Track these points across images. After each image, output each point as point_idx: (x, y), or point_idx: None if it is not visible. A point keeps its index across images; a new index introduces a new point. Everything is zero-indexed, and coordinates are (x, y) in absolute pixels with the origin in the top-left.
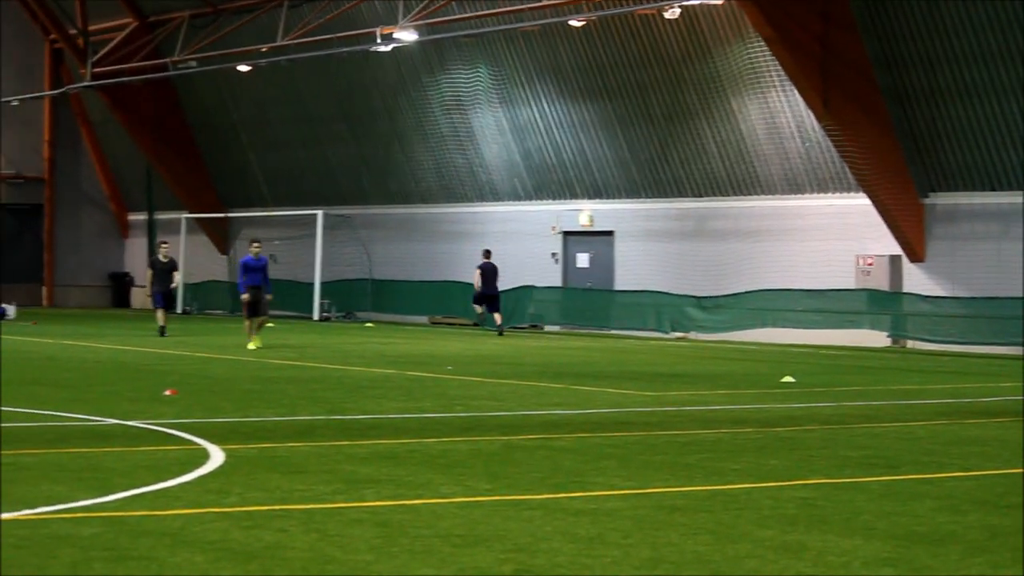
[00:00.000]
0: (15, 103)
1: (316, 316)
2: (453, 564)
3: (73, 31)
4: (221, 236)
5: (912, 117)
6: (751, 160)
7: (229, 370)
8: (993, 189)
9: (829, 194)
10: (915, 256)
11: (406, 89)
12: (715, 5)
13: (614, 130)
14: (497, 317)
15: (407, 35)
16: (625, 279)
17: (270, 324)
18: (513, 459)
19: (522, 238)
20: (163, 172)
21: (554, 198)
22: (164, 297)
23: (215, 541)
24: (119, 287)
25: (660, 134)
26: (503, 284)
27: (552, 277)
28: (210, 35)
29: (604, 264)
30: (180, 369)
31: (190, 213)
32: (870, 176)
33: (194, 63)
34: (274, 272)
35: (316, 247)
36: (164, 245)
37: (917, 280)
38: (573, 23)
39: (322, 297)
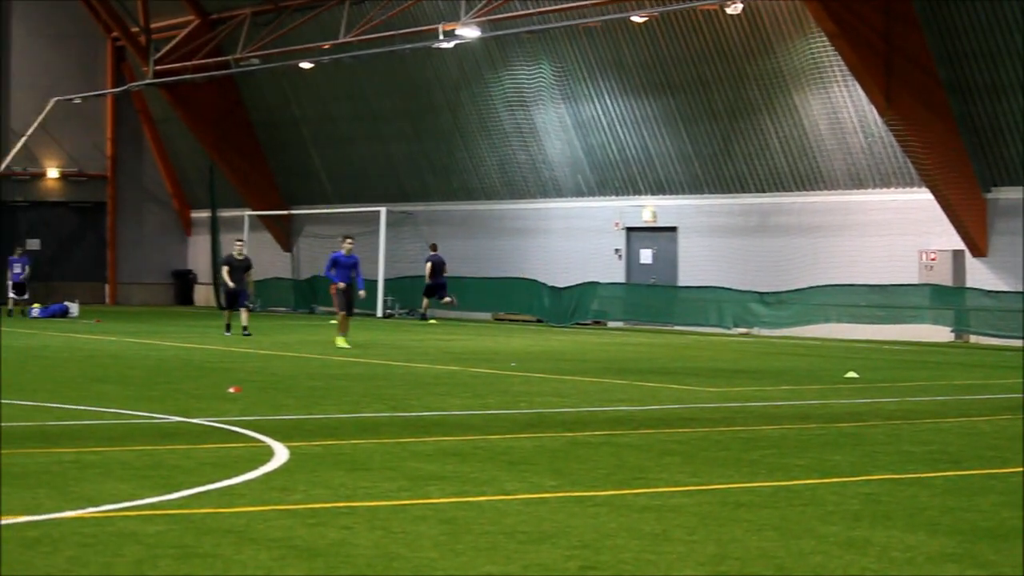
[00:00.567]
0: (78, 101)
1: (379, 313)
2: (518, 561)
3: (135, 29)
4: (284, 233)
5: (974, 112)
6: (814, 156)
7: (293, 367)
8: None
9: (892, 189)
10: (977, 251)
11: (468, 85)
12: (777, 0)
13: (677, 126)
14: (448, 299)
15: (469, 31)
16: (688, 275)
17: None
18: (577, 455)
19: (585, 234)
20: (226, 169)
21: (617, 194)
22: (237, 296)
23: (280, 539)
24: (182, 284)
25: (723, 130)
26: (568, 279)
27: (615, 273)
28: (272, 32)
29: (667, 260)
30: (244, 366)
31: (253, 210)
32: (932, 171)
33: (256, 60)
34: None
35: (379, 244)
36: (239, 243)
37: (980, 275)
38: (635, 19)
39: (385, 294)
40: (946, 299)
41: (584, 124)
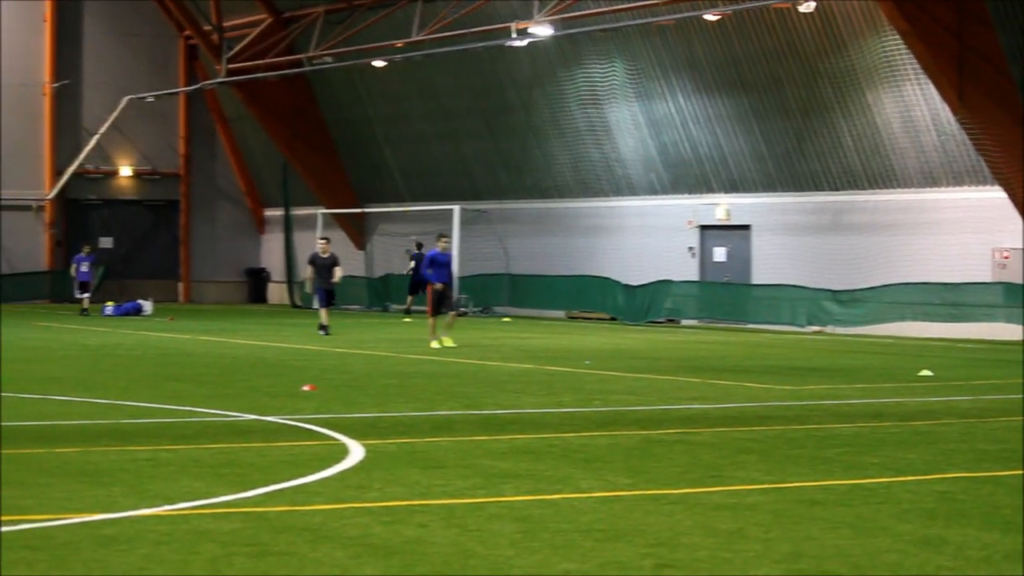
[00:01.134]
0: (150, 99)
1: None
2: (594, 559)
3: (208, 27)
4: (358, 231)
5: None
6: (887, 154)
7: (367, 365)
8: None
9: (964, 187)
10: None
11: (541, 83)
12: None
13: (750, 124)
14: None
15: (542, 30)
16: (762, 273)
17: (412, 314)
18: (652, 453)
19: (659, 232)
20: (299, 167)
21: (690, 192)
22: (326, 295)
23: (355, 536)
24: (256, 283)
25: (796, 128)
26: (642, 278)
27: (689, 271)
28: (345, 31)
29: (741, 258)
30: (318, 364)
31: (326, 209)
32: (1005, 169)
33: (329, 59)
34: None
35: (453, 242)
36: (323, 241)
37: None
38: (708, 17)
39: (459, 292)
40: (1019, 297)
41: (657, 122)
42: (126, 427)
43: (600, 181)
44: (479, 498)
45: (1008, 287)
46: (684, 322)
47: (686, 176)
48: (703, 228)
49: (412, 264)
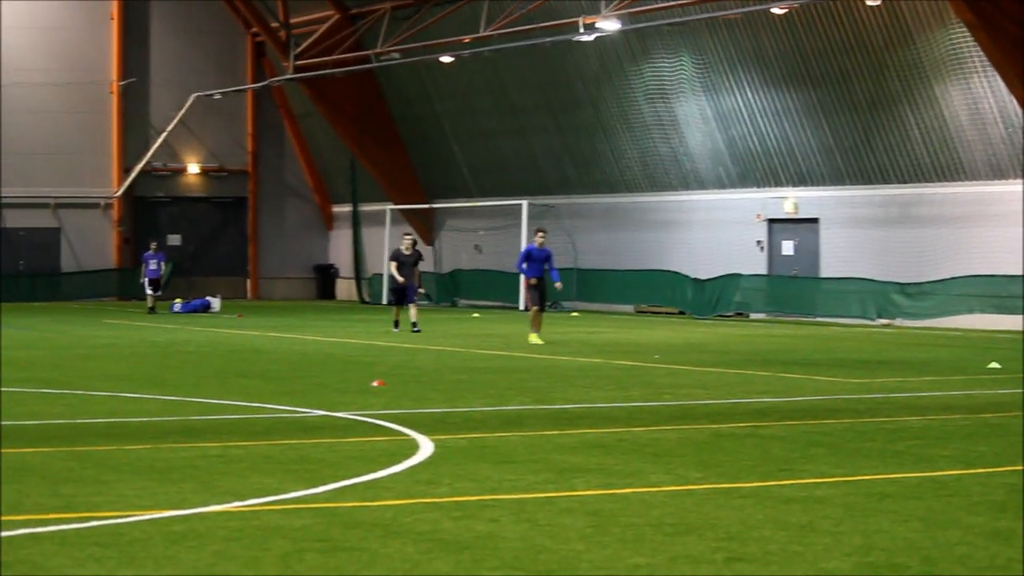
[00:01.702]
0: (218, 97)
1: (522, 306)
2: (665, 553)
3: (275, 24)
4: (426, 227)
5: None
6: (955, 146)
7: (436, 360)
8: None
9: None
10: None
11: (609, 78)
12: None
13: (818, 117)
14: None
15: (610, 24)
16: (830, 266)
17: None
18: (722, 447)
19: (727, 226)
20: (367, 164)
21: (759, 186)
22: (406, 291)
23: (426, 532)
24: (324, 279)
25: (863, 121)
26: (710, 271)
27: (758, 265)
28: (412, 27)
29: (809, 251)
30: (387, 360)
31: (394, 204)
32: None
33: (397, 55)
34: (479, 262)
35: (521, 237)
36: (407, 237)
37: None
38: (775, 10)
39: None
40: None
41: (725, 116)
42: (196, 424)
43: (668, 175)
44: (549, 492)
45: None
46: (752, 316)
47: (754, 170)
48: (771, 222)
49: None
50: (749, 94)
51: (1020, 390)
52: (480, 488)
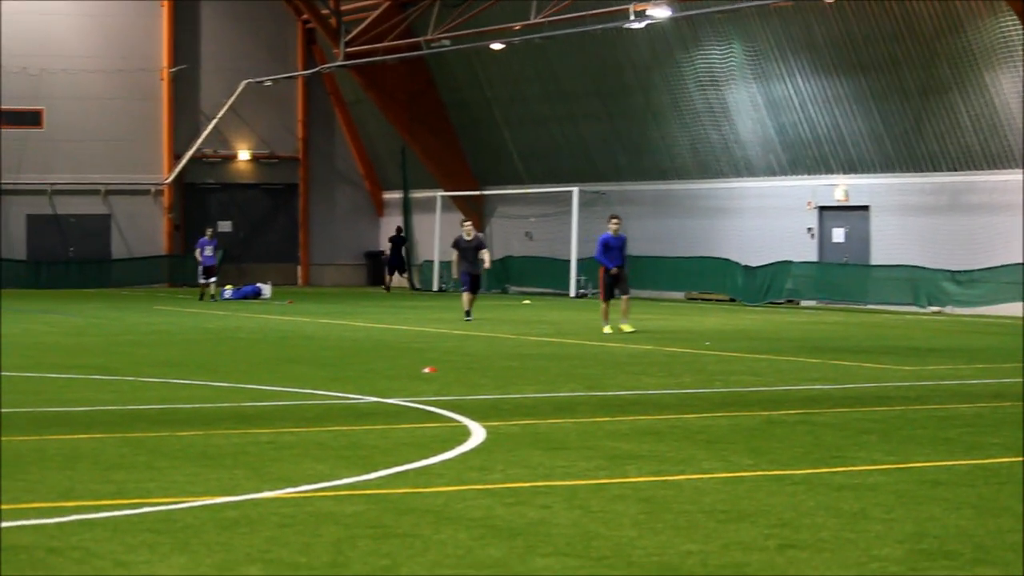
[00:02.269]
0: (268, 83)
1: (572, 293)
2: (717, 540)
3: (326, 11)
4: (476, 214)
5: None
6: (1004, 133)
7: (487, 347)
8: None
9: None
10: None
11: (660, 65)
12: None
13: (868, 104)
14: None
15: (660, 12)
16: (880, 254)
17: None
18: (774, 434)
19: (778, 213)
20: (417, 150)
21: (809, 173)
22: (471, 279)
23: (479, 518)
24: (375, 265)
25: (914, 108)
26: (761, 259)
27: (808, 252)
28: (463, 14)
29: (860, 239)
30: (438, 346)
31: (445, 191)
32: None
33: (447, 42)
34: (530, 249)
35: (572, 224)
36: (467, 224)
37: None
38: None
39: (578, 274)
40: None
41: (776, 103)
42: (247, 410)
43: (719, 162)
44: (602, 479)
45: None
46: (803, 303)
47: (804, 157)
48: (822, 209)
49: (390, 245)
50: (800, 81)
51: None
52: (532, 474)
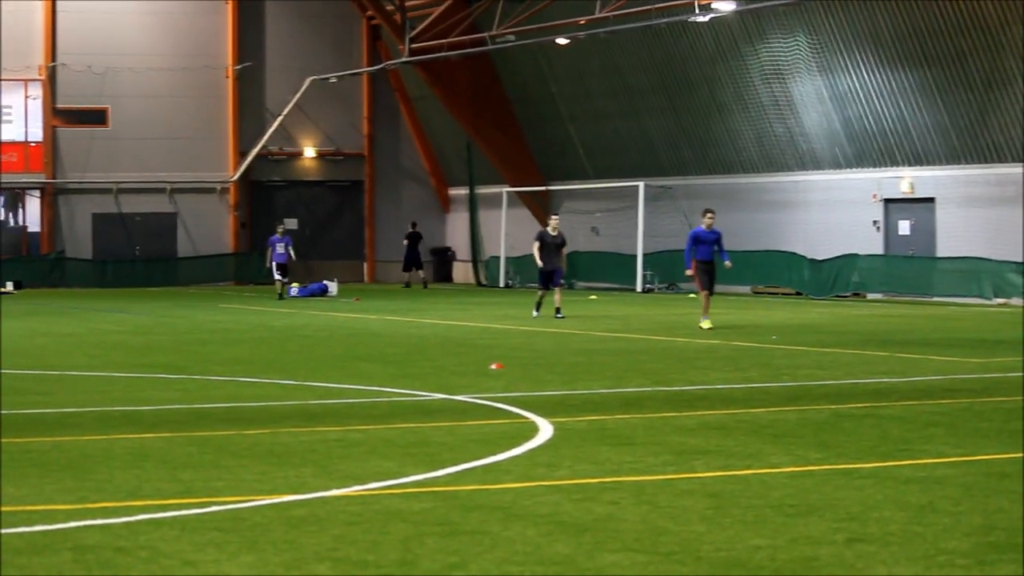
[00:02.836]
0: (333, 80)
1: (639, 288)
2: (785, 534)
3: (390, 7)
4: (542, 209)
5: None
6: None
7: (554, 343)
8: None
9: None
10: None
11: (725, 59)
12: None
13: (933, 97)
14: (420, 274)
15: (725, 5)
16: (946, 245)
17: (592, 296)
18: (842, 428)
19: (844, 206)
20: (483, 146)
21: (875, 166)
22: (551, 275)
23: (547, 514)
24: (441, 262)
25: (979, 100)
26: (827, 252)
27: (874, 245)
28: (527, 9)
29: (926, 231)
30: (505, 343)
31: (511, 187)
32: None
33: (512, 37)
34: (596, 244)
35: (638, 218)
36: (555, 218)
37: None
38: None
39: (644, 268)
40: None
41: (841, 96)
42: (315, 408)
43: (784, 156)
44: (669, 474)
45: None
46: (869, 296)
47: (870, 150)
48: (887, 201)
49: (405, 242)
50: (865, 74)
51: None
52: (600, 470)
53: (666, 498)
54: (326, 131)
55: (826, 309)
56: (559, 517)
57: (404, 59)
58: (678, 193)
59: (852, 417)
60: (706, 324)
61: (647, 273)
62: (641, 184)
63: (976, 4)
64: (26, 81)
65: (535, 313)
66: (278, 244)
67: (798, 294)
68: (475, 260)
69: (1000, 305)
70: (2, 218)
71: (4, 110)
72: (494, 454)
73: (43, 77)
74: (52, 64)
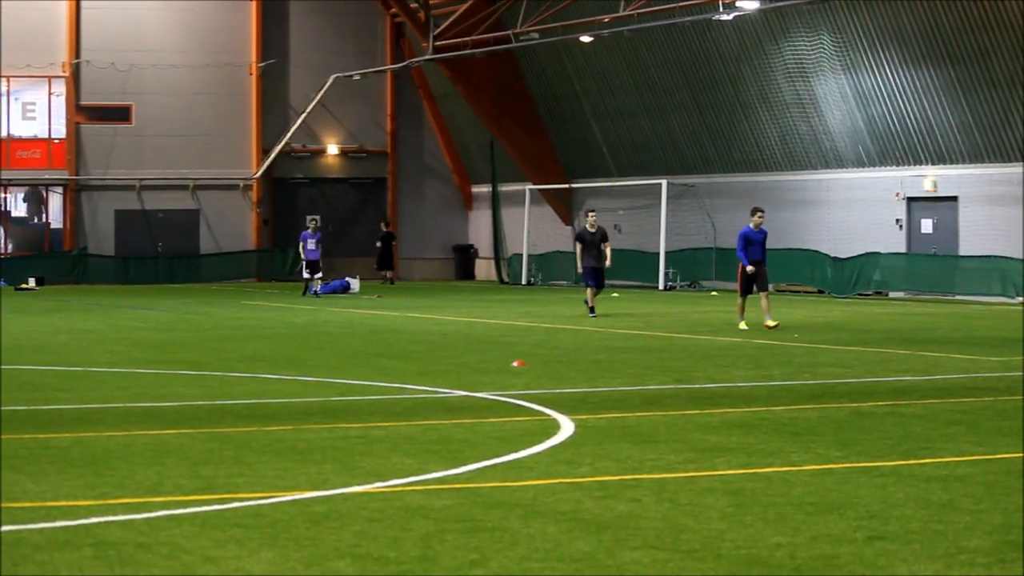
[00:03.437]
0: (357, 78)
1: (661, 285)
2: (806, 532)
3: (414, 5)
4: (565, 207)
5: None
6: None
7: (575, 340)
8: None
9: None
10: None
11: (749, 57)
12: None
13: (957, 95)
14: (387, 273)
15: (749, 3)
16: (969, 244)
17: (615, 294)
18: (862, 426)
19: (866, 204)
20: (506, 144)
21: (898, 164)
22: (595, 273)
23: (567, 511)
24: (463, 259)
25: (1002, 98)
26: (849, 250)
27: (897, 243)
28: (551, 6)
29: (948, 229)
30: (527, 340)
31: (534, 184)
32: None
33: (536, 35)
34: (619, 242)
35: (660, 216)
36: (592, 214)
37: None
38: None
39: (667, 266)
40: None
41: (864, 94)
42: (336, 404)
43: (808, 154)
44: (690, 472)
45: None
46: (891, 294)
47: (893, 148)
48: (910, 200)
49: (379, 244)
50: (888, 72)
51: None
52: (621, 468)
53: (687, 496)
54: (349, 128)
55: (848, 307)
56: (580, 514)
57: (428, 56)
58: (701, 191)
59: (873, 415)
60: (744, 324)
61: (669, 271)
62: (664, 182)
63: (1000, 2)
64: (50, 78)
65: (591, 315)
66: (309, 240)
67: (820, 292)
68: (497, 257)
69: (1022, 303)
70: (25, 214)
71: (28, 107)
72: (515, 451)
73: (67, 74)
74: (76, 61)
